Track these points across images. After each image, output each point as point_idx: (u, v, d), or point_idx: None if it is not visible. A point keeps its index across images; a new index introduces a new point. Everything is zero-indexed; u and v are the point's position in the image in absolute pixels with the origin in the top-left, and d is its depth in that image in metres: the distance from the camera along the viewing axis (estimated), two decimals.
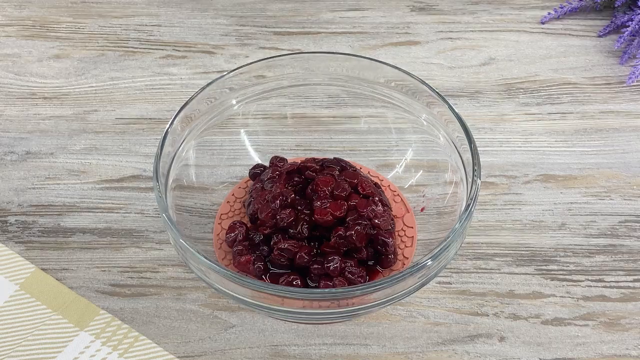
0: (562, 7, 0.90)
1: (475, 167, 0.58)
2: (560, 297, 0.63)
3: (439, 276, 0.64)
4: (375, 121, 0.72)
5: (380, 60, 0.67)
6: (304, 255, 0.59)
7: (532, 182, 0.72)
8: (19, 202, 0.70)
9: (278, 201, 0.61)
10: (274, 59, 0.67)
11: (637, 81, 0.82)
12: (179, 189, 0.64)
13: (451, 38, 0.89)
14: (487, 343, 0.60)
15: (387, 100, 0.68)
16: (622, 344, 0.60)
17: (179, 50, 0.87)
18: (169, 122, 0.61)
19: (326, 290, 0.55)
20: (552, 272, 0.65)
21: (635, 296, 0.63)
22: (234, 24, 0.91)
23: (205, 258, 0.53)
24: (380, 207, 0.62)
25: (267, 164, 0.68)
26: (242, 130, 0.71)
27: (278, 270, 0.60)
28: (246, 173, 0.68)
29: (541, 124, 0.78)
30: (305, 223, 0.60)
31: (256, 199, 0.63)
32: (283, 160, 0.67)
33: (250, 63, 0.66)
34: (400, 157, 0.70)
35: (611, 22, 0.88)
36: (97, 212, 0.70)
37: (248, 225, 0.63)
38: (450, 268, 0.65)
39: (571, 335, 0.61)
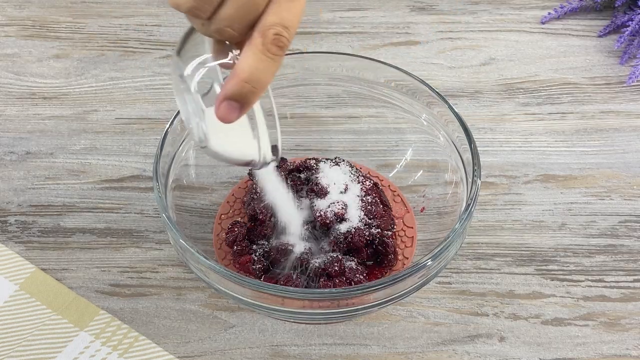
0: (562, 7, 0.90)
1: (475, 167, 0.58)
2: (560, 297, 0.63)
3: (439, 276, 0.63)
4: (375, 121, 0.72)
5: (380, 60, 0.67)
6: (304, 255, 0.59)
7: (532, 182, 0.72)
8: (18, 202, 0.70)
9: None
10: None
11: (637, 81, 0.82)
12: (179, 189, 0.64)
13: (451, 38, 0.88)
14: (487, 343, 0.60)
15: (387, 100, 0.68)
16: (622, 344, 0.60)
17: None
18: (169, 122, 0.61)
19: (326, 290, 0.55)
20: (552, 272, 0.65)
21: (635, 296, 0.63)
22: None
23: (205, 258, 0.53)
24: (380, 207, 0.62)
25: None
26: None
27: (278, 270, 0.60)
28: (246, 173, 0.68)
29: (541, 124, 0.78)
30: (305, 223, 0.60)
31: (256, 199, 0.63)
32: (283, 160, 0.67)
33: None
34: (400, 157, 0.70)
35: (611, 22, 0.88)
36: (97, 212, 0.70)
37: (248, 225, 0.63)
38: (450, 268, 0.65)
39: (571, 335, 0.61)
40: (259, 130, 0.49)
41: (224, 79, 0.48)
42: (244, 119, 0.48)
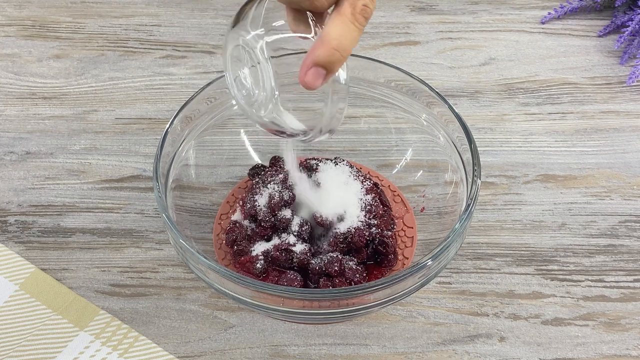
0: (562, 7, 0.90)
1: (475, 167, 0.58)
2: (560, 297, 0.63)
3: (439, 276, 0.63)
4: (375, 121, 0.72)
5: (380, 60, 0.67)
6: (304, 255, 0.59)
7: (532, 182, 0.72)
8: (18, 202, 0.70)
9: (278, 201, 0.61)
10: (275, 59, 0.67)
11: (637, 81, 0.82)
12: (179, 189, 0.64)
13: (451, 38, 0.88)
14: (487, 343, 0.60)
15: (387, 100, 0.68)
16: (622, 344, 0.60)
17: (179, 50, 0.87)
18: (169, 122, 0.61)
19: (326, 290, 0.55)
20: (552, 272, 0.65)
21: (635, 296, 0.63)
22: None
23: (205, 258, 0.53)
24: (380, 207, 0.62)
25: (267, 164, 0.68)
26: (242, 130, 0.71)
27: (279, 270, 0.60)
28: (246, 173, 0.68)
29: (541, 124, 0.78)
30: (305, 223, 0.60)
31: (256, 198, 0.63)
32: (283, 160, 0.67)
33: None
34: (400, 157, 0.70)
35: (611, 22, 0.88)
36: (97, 212, 0.70)
37: (247, 225, 0.63)
38: (450, 268, 0.65)
39: (571, 335, 0.61)
40: (329, 103, 0.50)
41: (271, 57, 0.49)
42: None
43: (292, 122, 0.51)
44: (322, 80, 0.46)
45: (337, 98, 0.50)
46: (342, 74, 0.49)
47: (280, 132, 0.53)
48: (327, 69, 0.45)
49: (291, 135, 0.52)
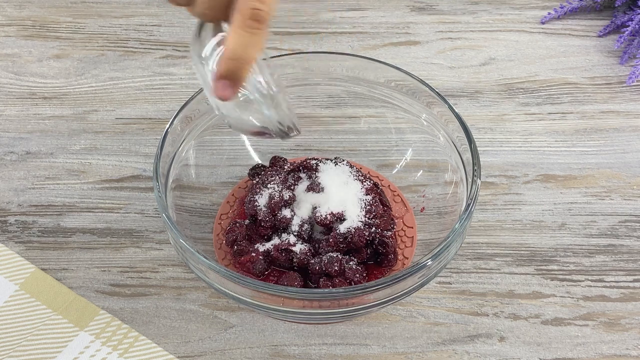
0: (562, 7, 0.90)
1: (475, 167, 0.58)
2: (560, 297, 0.63)
3: (439, 276, 0.64)
4: (375, 121, 0.72)
5: (380, 60, 0.67)
6: (304, 255, 0.59)
7: (532, 182, 0.72)
8: (18, 202, 0.70)
9: (278, 201, 0.61)
10: (274, 59, 0.67)
11: (637, 81, 0.82)
12: (179, 189, 0.64)
13: (451, 38, 0.89)
14: (487, 343, 0.60)
15: (387, 100, 0.68)
16: (622, 344, 0.60)
17: (179, 50, 0.87)
18: (169, 122, 0.61)
19: (326, 290, 0.55)
20: (552, 272, 0.65)
21: (635, 296, 0.63)
22: None
23: (205, 258, 0.53)
24: (380, 207, 0.62)
25: (267, 164, 0.68)
26: None
27: (279, 270, 0.60)
28: (246, 173, 0.68)
29: (541, 124, 0.78)
30: (305, 223, 0.60)
31: (256, 198, 0.63)
32: (283, 160, 0.67)
33: None
34: (400, 157, 0.70)
35: (611, 22, 0.88)
36: (97, 212, 0.70)
37: (248, 225, 0.63)
38: (450, 268, 0.65)
39: (571, 335, 0.61)
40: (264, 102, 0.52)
41: None
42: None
43: (247, 121, 0.53)
44: (232, 90, 0.47)
45: (274, 93, 0.52)
46: (260, 75, 0.51)
47: (262, 133, 0.54)
48: (230, 79, 0.47)
49: (275, 133, 0.54)
